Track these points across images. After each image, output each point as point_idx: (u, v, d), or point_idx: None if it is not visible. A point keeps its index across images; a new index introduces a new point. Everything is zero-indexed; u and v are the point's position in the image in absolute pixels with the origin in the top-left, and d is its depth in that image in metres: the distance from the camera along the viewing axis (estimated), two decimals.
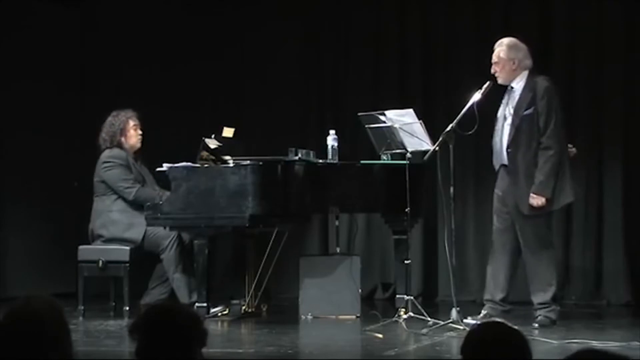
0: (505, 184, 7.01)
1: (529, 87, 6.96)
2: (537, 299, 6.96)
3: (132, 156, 7.84)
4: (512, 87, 7.02)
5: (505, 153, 6.95)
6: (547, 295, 6.94)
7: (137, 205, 7.61)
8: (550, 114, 6.90)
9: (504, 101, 7.04)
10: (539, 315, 6.92)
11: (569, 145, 7.03)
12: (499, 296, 7.03)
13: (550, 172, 6.85)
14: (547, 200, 6.86)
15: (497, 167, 7.08)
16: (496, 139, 7.03)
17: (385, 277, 9.02)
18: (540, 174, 6.85)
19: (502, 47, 7.05)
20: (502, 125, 6.99)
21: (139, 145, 7.88)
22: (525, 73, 7.02)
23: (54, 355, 2.94)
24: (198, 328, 2.92)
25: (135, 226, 7.60)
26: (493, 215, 7.17)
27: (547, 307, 6.94)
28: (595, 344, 6.07)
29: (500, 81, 7.03)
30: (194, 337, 2.91)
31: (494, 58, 7.05)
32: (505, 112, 7.00)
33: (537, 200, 6.85)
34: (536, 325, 6.85)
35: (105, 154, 7.79)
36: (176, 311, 2.94)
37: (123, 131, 7.81)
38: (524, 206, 6.89)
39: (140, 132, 7.86)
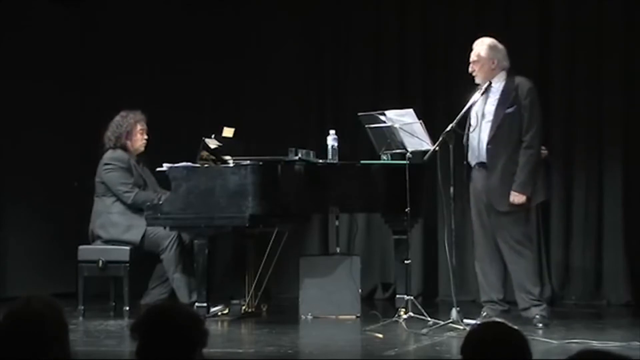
0: (481, 180, 7.02)
1: (510, 86, 6.97)
2: (523, 296, 6.93)
3: (134, 158, 7.83)
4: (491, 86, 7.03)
5: (484, 149, 6.96)
6: (535, 291, 6.93)
7: (136, 207, 7.61)
8: (535, 115, 6.93)
9: (481, 100, 7.03)
10: (536, 314, 6.91)
11: (542, 147, 7.05)
12: (496, 296, 7.02)
13: (532, 170, 6.89)
14: (527, 198, 6.88)
15: (473, 163, 7.08)
16: (474, 135, 7.02)
17: (385, 277, 9.02)
18: (522, 172, 6.87)
19: (482, 46, 7.05)
20: (481, 123, 6.99)
21: (142, 149, 7.87)
22: (503, 73, 7.03)
23: (54, 355, 2.93)
24: (198, 328, 2.92)
25: (134, 228, 7.59)
26: (472, 214, 7.17)
27: (540, 305, 6.94)
28: (595, 344, 6.07)
29: (477, 80, 7.04)
30: (194, 337, 2.91)
31: (473, 57, 7.05)
32: (484, 110, 7.01)
33: (518, 198, 6.87)
34: (540, 325, 6.83)
35: (108, 155, 7.77)
36: (176, 311, 2.94)
37: (129, 134, 7.79)
38: (499, 203, 6.91)
39: (146, 136, 7.85)
